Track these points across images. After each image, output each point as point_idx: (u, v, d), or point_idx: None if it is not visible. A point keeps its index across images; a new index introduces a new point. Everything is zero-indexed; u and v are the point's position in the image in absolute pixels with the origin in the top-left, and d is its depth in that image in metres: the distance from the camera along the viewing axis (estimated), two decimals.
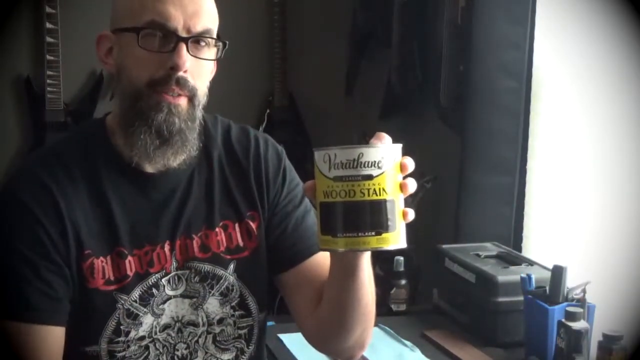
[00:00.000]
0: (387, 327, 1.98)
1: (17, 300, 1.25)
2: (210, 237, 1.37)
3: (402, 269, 2.16)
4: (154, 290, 1.33)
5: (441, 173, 2.68)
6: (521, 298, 1.80)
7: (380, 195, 1.06)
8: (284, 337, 1.90)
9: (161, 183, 1.34)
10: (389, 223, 1.07)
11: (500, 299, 1.88)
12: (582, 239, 2.06)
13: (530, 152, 2.30)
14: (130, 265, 1.31)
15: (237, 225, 1.39)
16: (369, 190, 1.06)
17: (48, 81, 3.25)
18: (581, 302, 1.68)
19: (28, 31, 3.33)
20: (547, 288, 1.75)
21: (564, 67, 2.18)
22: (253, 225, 1.39)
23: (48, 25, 3.23)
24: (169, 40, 1.25)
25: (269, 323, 1.91)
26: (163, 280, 1.34)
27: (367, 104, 3.22)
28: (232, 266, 1.37)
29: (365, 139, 3.31)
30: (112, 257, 1.30)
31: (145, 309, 1.32)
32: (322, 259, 1.37)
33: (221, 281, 1.37)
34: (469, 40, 2.31)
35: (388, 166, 1.07)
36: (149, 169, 1.33)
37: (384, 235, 1.06)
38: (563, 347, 1.62)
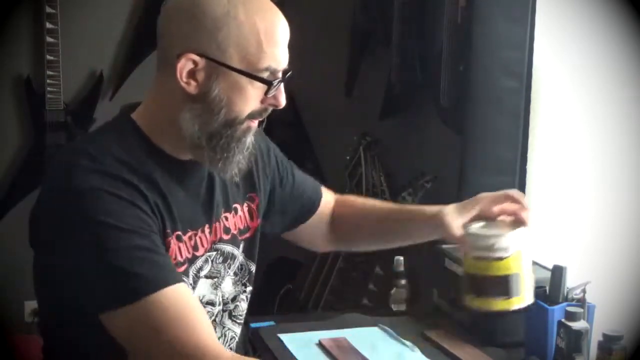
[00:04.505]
0: (387, 327, 1.98)
1: (151, 272, 1.21)
2: (229, 219, 1.44)
3: (402, 269, 2.16)
4: (200, 273, 1.38)
5: (441, 173, 2.67)
6: None
7: (508, 271, 1.40)
8: (284, 337, 1.89)
9: (193, 170, 1.38)
10: (514, 290, 1.41)
11: None
12: (582, 239, 2.06)
13: (530, 152, 2.30)
14: (181, 250, 1.34)
15: (244, 206, 1.48)
16: (499, 267, 1.40)
17: (48, 81, 3.24)
18: (581, 302, 1.68)
19: (28, 31, 3.32)
20: (547, 288, 1.75)
21: (564, 67, 2.18)
22: (253, 206, 1.49)
23: (48, 25, 3.22)
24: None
25: (269, 323, 1.92)
26: (200, 261, 1.38)
27: (367, 104, 3.21)
28: (242, 246, 1.46)
29: (365, 138, 3.30)
30: (173, 240, 1.32)
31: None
32: (324, 201, 1.66)
33: (235, 261, 1.45)
34: (469, 40, 2.30)
35: (516, 249, 1.40)
36: (183, 157, 1.36)
37: (510, 299, 1.41)
38: (563, 347, 1.62)
